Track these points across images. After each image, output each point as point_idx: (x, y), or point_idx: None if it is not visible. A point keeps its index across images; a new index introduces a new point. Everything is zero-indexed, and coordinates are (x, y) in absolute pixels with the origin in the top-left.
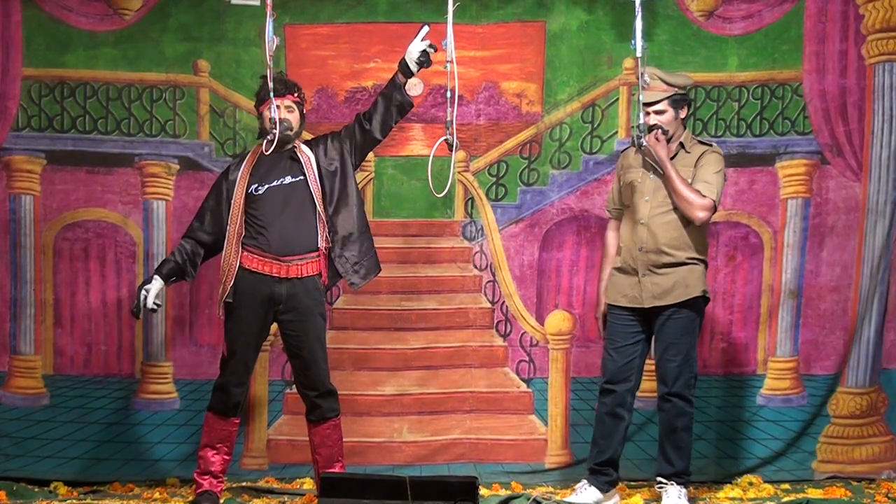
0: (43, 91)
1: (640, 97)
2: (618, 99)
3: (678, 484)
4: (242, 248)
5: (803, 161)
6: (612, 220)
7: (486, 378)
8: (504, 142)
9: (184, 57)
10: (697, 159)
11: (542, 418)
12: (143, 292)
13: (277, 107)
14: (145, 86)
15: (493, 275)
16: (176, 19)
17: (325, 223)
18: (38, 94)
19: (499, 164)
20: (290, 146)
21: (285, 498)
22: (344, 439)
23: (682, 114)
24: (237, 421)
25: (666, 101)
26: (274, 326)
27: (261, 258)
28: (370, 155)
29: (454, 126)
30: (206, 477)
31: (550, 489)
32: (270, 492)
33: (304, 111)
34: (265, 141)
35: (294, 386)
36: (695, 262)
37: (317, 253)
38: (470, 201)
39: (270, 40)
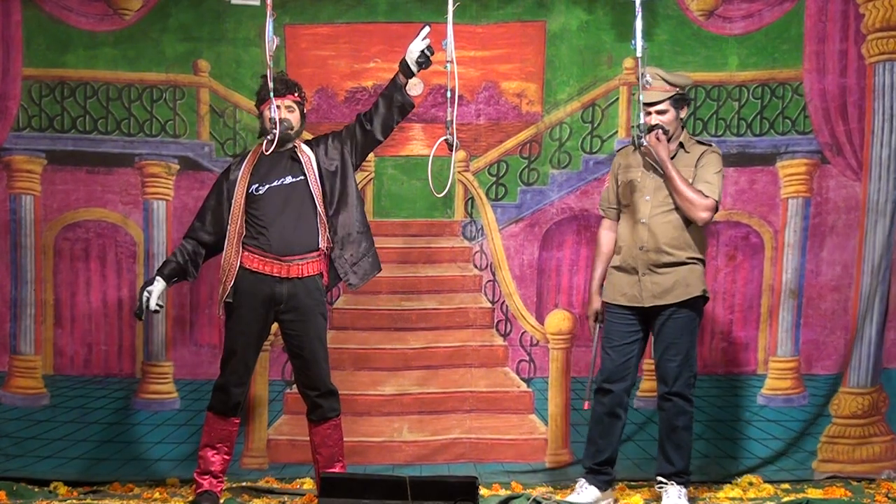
0: (43, 91)
1: (641, 97)
2: (618, 99)
3: (678, 483)
4: (243, 247)
5: (804, 160)
6: (606, 220)
7: (486, 378)
8: (504, 142)
9: (184, 57)
10: (697, 159)
11: (543, 418)
12: (146, 294)
13: (278, 107)
14: (145, 86)
15: (493, 274)
16: (176, 19)
17: (326, 223)
18: (39, 94)
19: (499, 163)
20: (290, 146)
21: (285, 498)
22: (344, 439)
23: (682, 114)
24: (237, 421)
25: (668, 101)
26: (274, 326)
27: (261, 258)
28: (370, 155)
29: (454, 126)
30: (206, 477)
31: (550, 489)
32: (270, 492)
33: (305, 111)
34: (265, 141)
35: (294, 386)
36: (695, 261)
37: (317, 253)
38: (470, 201)
39: (270, 40)
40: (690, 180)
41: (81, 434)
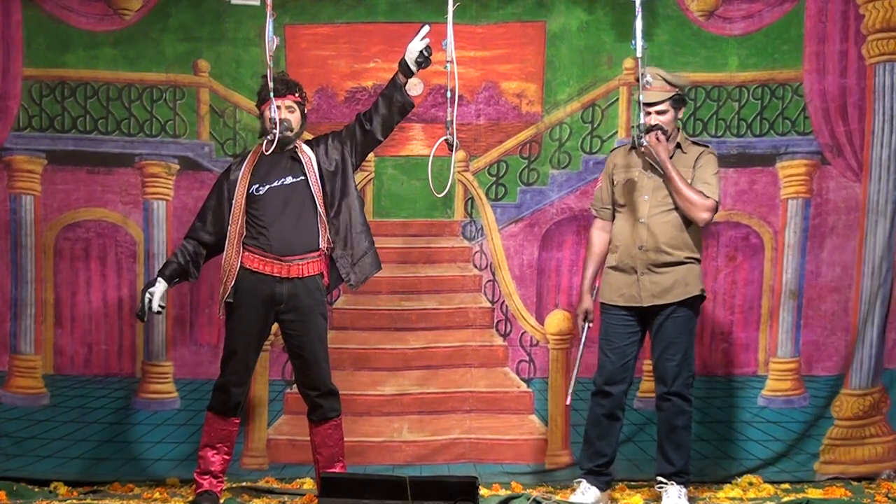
0: (44, 91)
1: (641, 97)
2: (618, 99)
3: (678, 483)
4: (243, 248)
5: (803, 161)
6: (599, 220)
7: (486, 378)
8: (504, 142)
9: (184, 57)
10: (695, 160)
11: (543, 418)
12: (148, 295)
13: (278, 107)
14: (145, 86)
15: (493, 274)
16: (176, 19)
17: (326, 223)
18: (39, 93)
19: (499, 163)
20: (290, 146)
21: (285, 498)
22: (344, 439)
23: (680, 114)
24: (237, 421)
25: (668, 102)
26: (274, 326)
27: (262, 258)
28: (370, 155)
29: (454, 126)
30: (206, 477)
31: (550, 489)
32: (270, 492)
33: (306, 111)
34: (265, 141)
35: (294, 385)
36: (692, 261)
37: (318, 253)
38: (470, 201)
39: (270, 40)
40: (689, 181)
41: (81, 434)
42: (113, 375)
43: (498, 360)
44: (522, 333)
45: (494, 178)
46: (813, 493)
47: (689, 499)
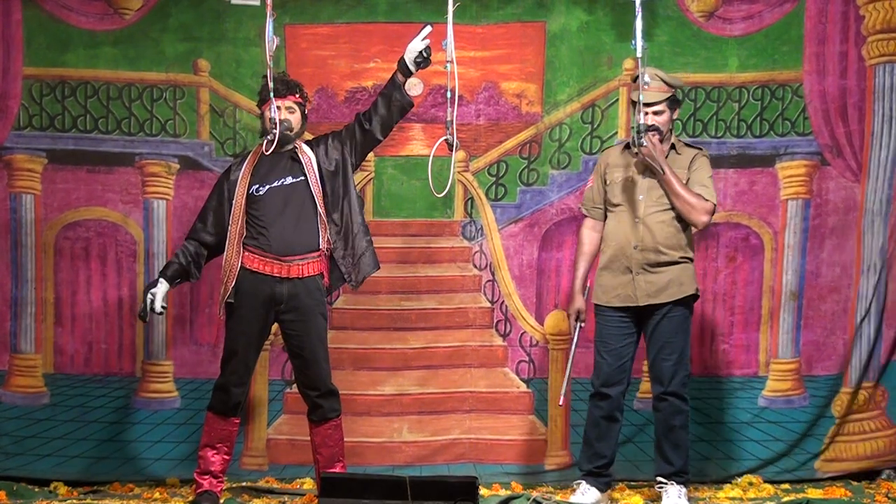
0: (44, 90)
1: (640, 97)
2: (617, 99)
3: (678, 483)
4: (244, 248)
5: (803, 162)
6: (589, 219)
7: (485, 378)
8: (504, 142)
9: (184, 56)
10: (690, 162)
11: (542, 418)
12: (150, 296)
13: (278, 107)
14: (145, 85)
15: (493, 274)
16: (176, 19)
17: (326, 223)
18: (39, 93)
19: (498, 164)
20: (291, 146)
21: (285, 498)
22: (344, 439)
23: (675, 115)
24: (237, 421)
25: (665, 102)
26: (274, 326)
27: (262, 258)
28: (370, 155)
29: (454, 126)
30: (206, 477)
31: (550, 489)
32: (270, 492)
33: (307, 111)
34: (265, 141)
35: (294, 385)
36: (686, 260)
37: (318, 253)
38: (470, 201)
39: (270, 40)
40: (685, 182)
41: (81, 433)
42: (113, 375)
43: (498, 361)
44: (522, 333)
45: (494, 179)
46: (813, 493)
47: (689, 499)
